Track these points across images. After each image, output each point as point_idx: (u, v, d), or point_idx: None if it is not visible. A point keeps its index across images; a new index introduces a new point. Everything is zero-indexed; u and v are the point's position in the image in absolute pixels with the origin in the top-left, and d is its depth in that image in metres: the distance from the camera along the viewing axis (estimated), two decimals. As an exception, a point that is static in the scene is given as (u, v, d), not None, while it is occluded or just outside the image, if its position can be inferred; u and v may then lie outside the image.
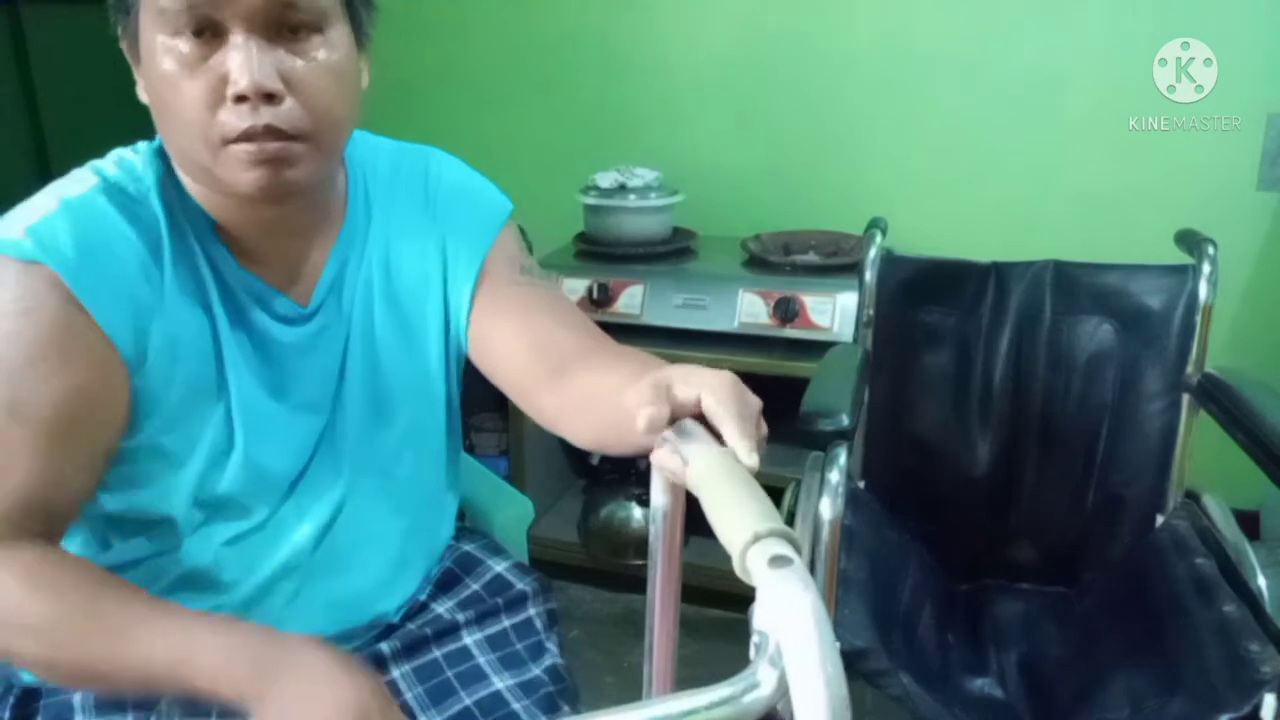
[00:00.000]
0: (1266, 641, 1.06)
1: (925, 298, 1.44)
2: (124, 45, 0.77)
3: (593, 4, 2.25)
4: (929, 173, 2.10)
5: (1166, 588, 1.24)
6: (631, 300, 1.93)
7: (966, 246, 1.45)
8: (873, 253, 1.43)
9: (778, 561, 0.43)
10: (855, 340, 1.47)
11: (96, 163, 0.81)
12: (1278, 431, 1.08)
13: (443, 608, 0.96)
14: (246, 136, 0.72)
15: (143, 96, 0.77)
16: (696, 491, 0.50)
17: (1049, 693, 1.25)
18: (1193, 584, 1.21)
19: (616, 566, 2.03)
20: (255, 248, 0.82)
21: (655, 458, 0.60)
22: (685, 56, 2.21)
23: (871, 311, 1.43)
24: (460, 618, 0.94)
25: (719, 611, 1.94)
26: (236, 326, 0.82)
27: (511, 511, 1.12)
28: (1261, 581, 1.17)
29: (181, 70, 0.72)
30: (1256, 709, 0.99)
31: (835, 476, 1.10)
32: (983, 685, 1.28)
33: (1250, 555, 1.21)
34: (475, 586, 0.98)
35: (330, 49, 0.76)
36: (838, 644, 0.39)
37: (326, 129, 0.76)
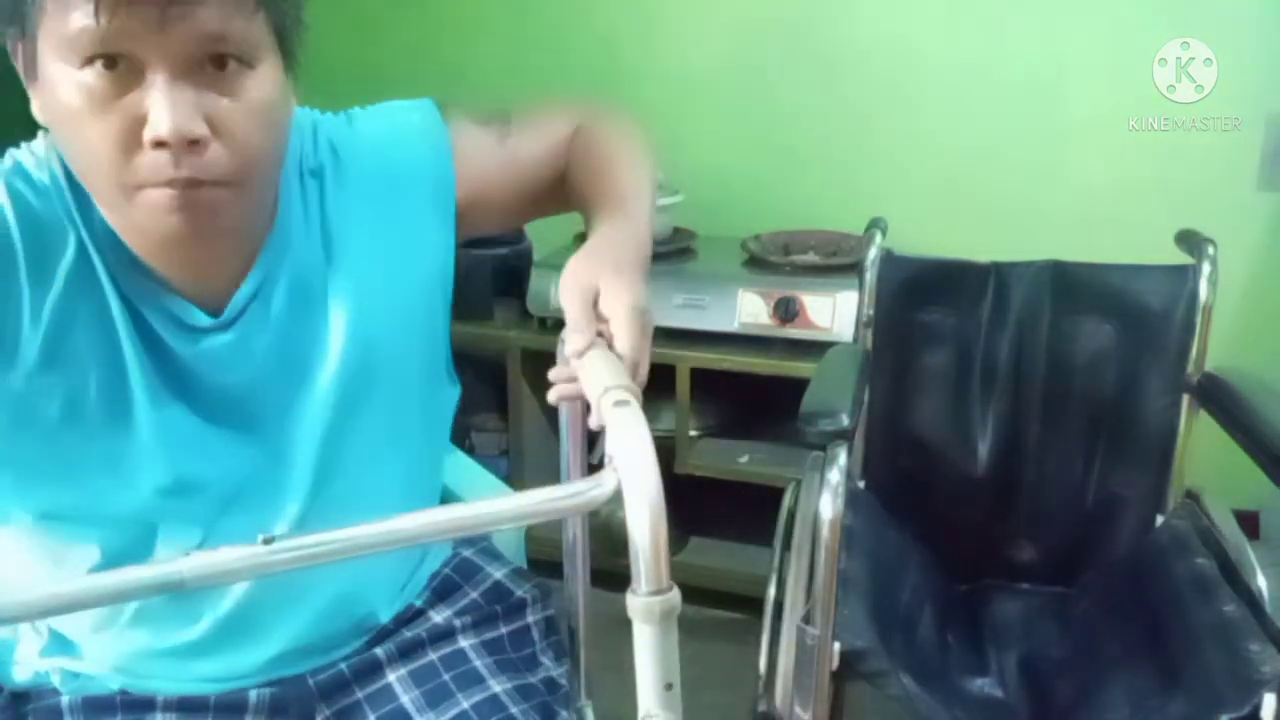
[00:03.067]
0: (1266, 641, 1.06)
1: (925, 298, 1.44)
2: (14, 59, 0.68)
3: (593, 5, 2.25)
4: (929, 173, 2.09)
5: (1166, 588, 1.24)
6: (631, 300, 1.92)
7: (966, 246, 1.45)
8: (873, 253, 1.43)
9: (620, 404, 0.60)
10: (855, 340, 1.47)
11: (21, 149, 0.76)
12: (1278, 431, 1.08)
13: (440, 616, 0.95)
14: (165, 184, 0.66)
15: (39, 117, 0.70)
16: (574, 367, 0.69)
17: (1049, 693, 1.25)
18: (1193, 584, 1.20)
19: (616, 566, 2.02)
20: (162, 255, 0.75)
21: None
22: (685, 57, 2.21)
23: (871, 311, 1.43)
24: (457, 623, 0.94)
25: (719, 611, 1.94)
26: (138, 338, 0.76)
27: None
28: (1261, 581, 1.17)
29: (89, 107, 0.64)
30: (1256, 709, 0.99)
31: (835, 476, 1.10)
32: (983, 685, 1.28)
33: (1250, 555, 1.21)
34: (474, 594, 0.97)
35: (260, 86, 0.68)
36: (656, 461, 0.56)
37: (255, 172, 0.71)
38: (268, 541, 0.54)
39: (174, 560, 0.53)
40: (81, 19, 0.61)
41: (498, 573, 0.99)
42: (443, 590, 0.97)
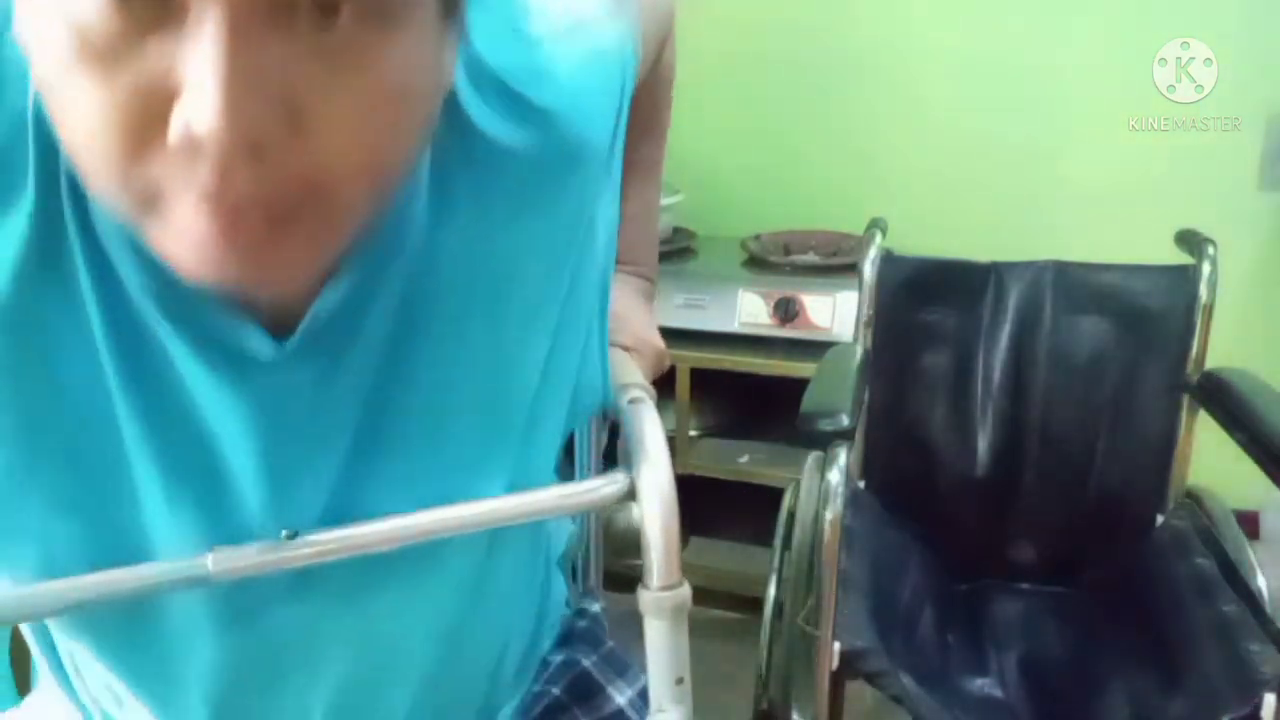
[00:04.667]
0: (1266, 641, 1.06)
1: (925, 298, 1.44)
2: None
3: (593, 4, 2.25)
4: (929, 172, 2.09)
5: (1166, 588, 1.24)
6: (632, 300, 1.92)
7: (966, 246, 1.45)
8: (873, 253, 1.43)
9: (635, 401, 0.62)
10: (855, 340, 1.47)
11: None
12: (1278, 431, 1.08)
13: None
14: (202, 202, 0.36)
15: (18, 38, 0.39)
16: None
17: (1049, 693, 1.25)
18: (1193, 584, 1.21)
19: (619, 567, 2.02)
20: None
21: None
22: (685, 56, 2.20)
23: (871, 311, 1.43)
24: None
25: (719, 611, 1.94)
26: (138, 371, 0.46)
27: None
28: (1261, 581, 1.17)
29: (82, 58, 0.34)
30: (1256, 709, 0.99)
31: (835, 476, 1.10)
32: (983, 685, 1.28)
33: (1250, 555, 1.21)
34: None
35: (400, 54, 0.37)
36: (669, 456, 0.59)
37: (367, 184, 0.40)
38: (290, 537, 0.51)
39: (199, 555, 0.50)
40: None
41: (621, 696, 0.75)
42: (547, 711, 0.73)
